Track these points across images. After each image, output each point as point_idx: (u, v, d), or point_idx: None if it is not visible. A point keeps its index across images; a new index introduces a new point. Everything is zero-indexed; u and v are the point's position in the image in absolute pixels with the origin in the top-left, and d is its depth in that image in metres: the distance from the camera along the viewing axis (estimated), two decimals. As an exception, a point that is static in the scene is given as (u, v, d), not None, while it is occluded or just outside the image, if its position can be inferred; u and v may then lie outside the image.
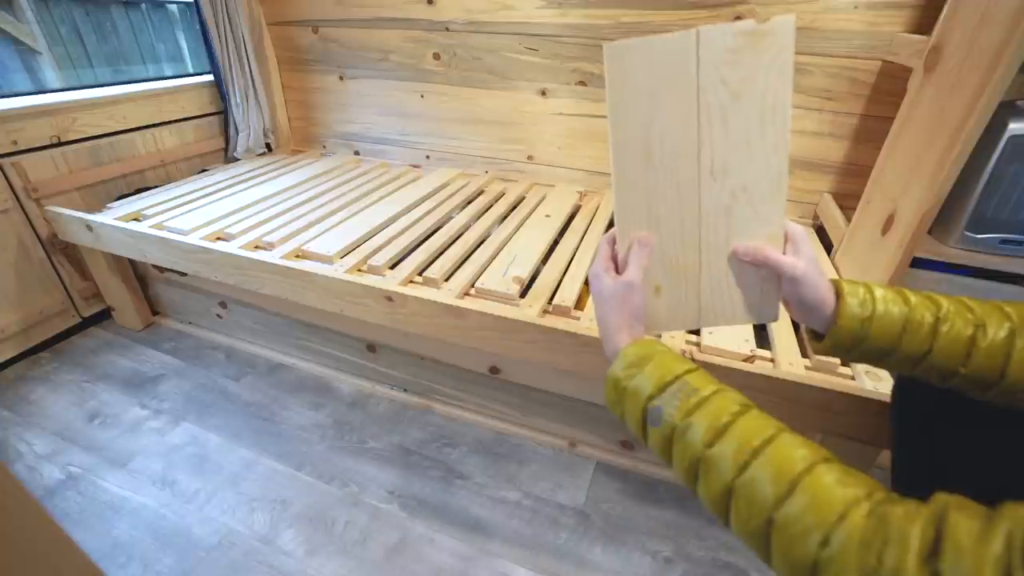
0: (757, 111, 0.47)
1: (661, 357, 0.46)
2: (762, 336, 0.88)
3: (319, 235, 1.17)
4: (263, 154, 1.79)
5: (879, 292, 0.49)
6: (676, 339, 0.86)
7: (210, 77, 1.65)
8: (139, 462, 1.05)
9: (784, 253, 0.51)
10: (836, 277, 0.52)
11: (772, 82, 0.47)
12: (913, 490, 0.57)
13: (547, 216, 1.30)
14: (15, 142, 1.23)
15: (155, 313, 1.50)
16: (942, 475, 0.52)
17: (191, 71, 1.90)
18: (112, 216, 1.23)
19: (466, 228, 1.25)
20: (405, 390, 1.23)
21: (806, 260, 0.50)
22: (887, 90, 1.14)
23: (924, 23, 1.05)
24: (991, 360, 0.44)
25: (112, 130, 1.43)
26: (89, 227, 1.21)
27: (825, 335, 0.50)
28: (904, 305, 0.48)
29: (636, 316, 0.51)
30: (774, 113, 0.48)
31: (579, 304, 0.97)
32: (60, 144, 1.32)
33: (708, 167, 0.49)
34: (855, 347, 0.49)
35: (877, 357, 0.49)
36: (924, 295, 0.49)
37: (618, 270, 0.53)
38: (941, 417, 0.53)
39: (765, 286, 0.52)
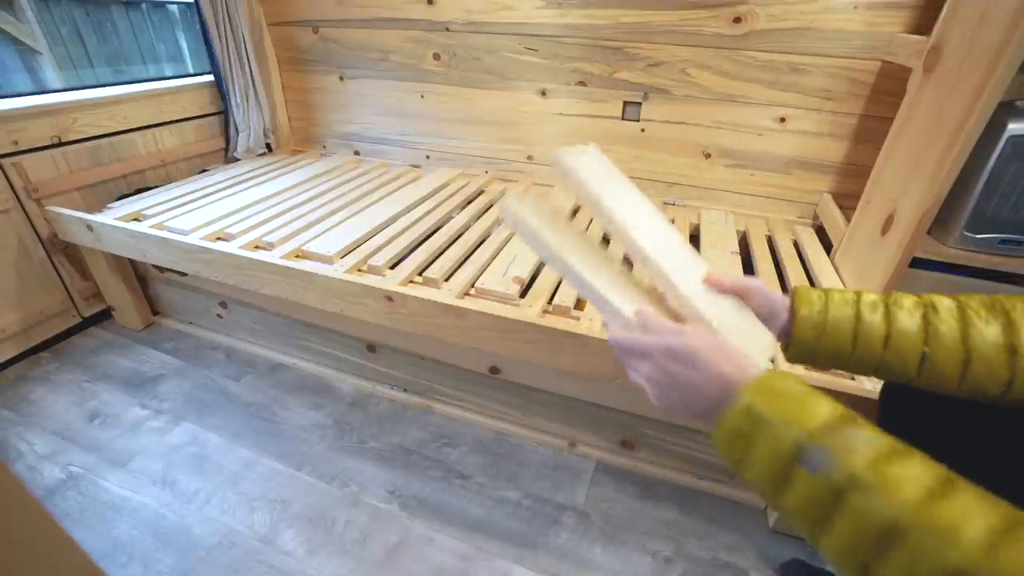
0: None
1: (812, 392, 0.38)
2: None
3: (319, 235, 1.17)
4: (263, 154, 1.79)
5: (836, 298, 0.51)
6: (676, 339, 0.86)
7: (210, 77, 1.66)
8: (139, 462, 1.05)
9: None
10: (800, 285, 0.55)
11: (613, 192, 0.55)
12: None
13: (547, 216, 1.30)
14: (16, 142, 1.23)
15: (155, 313, 1.50)
16: None
17: (191, 71, 1.90)
18: (112, 216, 1.23)
19: (466, 228, 1.25)
20: (405, 390, 1.23)
21: (751, 283, 0.53)
22: (887, 90, 1.14)
23: (923, 23, 1.05)
24: (951, 333, 0.46)
25: (113, 130, 1.43)
26: (89, 227, 1.21)
27: (787, 344, 0.53)
28: (855, 315, 0.50)
29: (735, 350, 0.44)
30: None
31: (579, 304, 0.97)
32: (61, 144, 1.32)
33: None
34: (816, 354, 0.51)
35: (833, 362, 0.51)
36: (884, 298, 0.51)
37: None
38: (929, 423, 0.53)
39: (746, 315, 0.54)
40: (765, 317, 0.53)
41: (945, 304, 0.48)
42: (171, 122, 1.58)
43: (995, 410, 0.47)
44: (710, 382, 0.41)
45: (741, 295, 0.53)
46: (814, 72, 1.19)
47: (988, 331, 0.45)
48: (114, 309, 1.45)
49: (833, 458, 0.33)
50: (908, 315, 0.48)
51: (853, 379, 0.80)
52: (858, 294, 0.52)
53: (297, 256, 1.10)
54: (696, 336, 0.44)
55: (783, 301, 0.54)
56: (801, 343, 0.51)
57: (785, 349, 0.54)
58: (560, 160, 0.55)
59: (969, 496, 0.31)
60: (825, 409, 0.36)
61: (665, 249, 0.53)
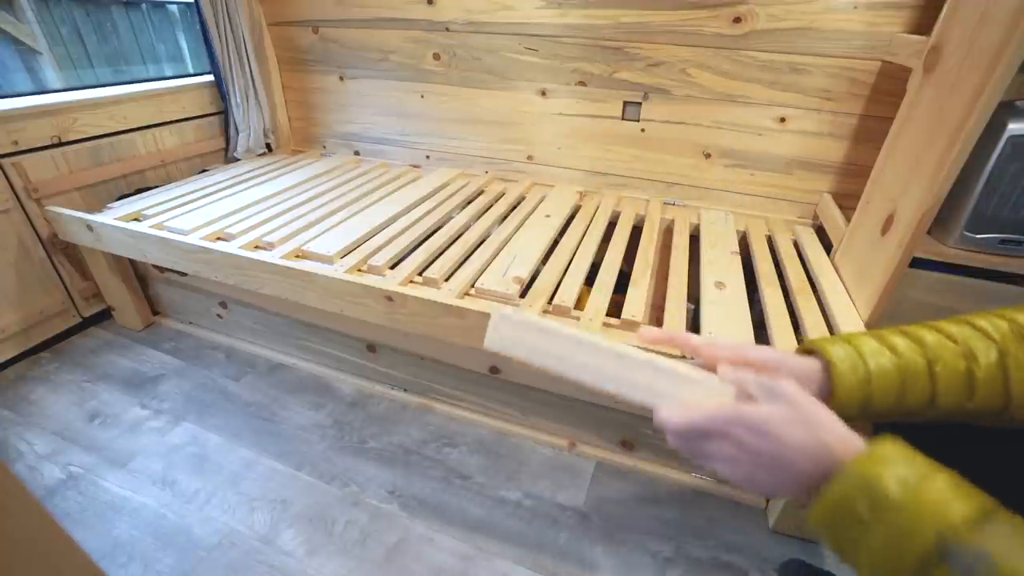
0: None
1: (937, 469, 0.32)
2: (762, 336, 0.89)
3: (319, 235, 1.17)
4: (263, 154, 1.79)
5: (864, 346, 0.45)
6: (676, 339, 0.86)
7: (210, 77, 1.66)
8: (139, 462, 1.05)
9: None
10: (808, 342, 0.49)
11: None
12: None
13: (547, 216, 1.30)
14: (16, 142, 1.23)
15: (155, 313, 1.50)
16: None
17: (191, 71, 1.90)
18: (112, 216, 1.23)
19: (466, 228, 1.25)
20: (405, 390, 1.23)
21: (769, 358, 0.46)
22: (886, 90, 1.14)
23: (923, 23, 1.05)
24: (993, 387, 0.42)
25: (113, 130, 1.43)
26: (89, 227, 1.21)
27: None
28: (894, 356, 0.45)
29: (829, 414, 0.37)
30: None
31: (579, 304, 0.97)
32: (61, 144, 1.32)
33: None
34: (862, 414, 0.45)
35: (883, 415, 0.45)
36: (902, 332, 0.46)
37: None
38: (924, 436, 0.53)
39: None
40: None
41: (984, 355, 0.43)
42: (171, 122, 1.58)
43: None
44: (803, 453, 0.35)
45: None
46: (814, 72, 1.19)
47: None
48: (114, 309, 1.45)
49: (994, 566, 0.28)
50: (953, 375, 0.43)
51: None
52: (884, 340, 0.46)
53: (297, 256, 1.10)
54: (783, 396, 0.37)
55: (808, 366, 0.46)
56: (849, 401, 0.44)
57: None
58: (491, 344, 0.49)
59: None
60: (966, 499, 0.31)
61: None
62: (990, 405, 0.43)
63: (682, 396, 0.42)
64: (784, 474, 0.36)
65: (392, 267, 1.07)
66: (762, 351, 0.46)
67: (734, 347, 0.47)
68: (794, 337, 0.87)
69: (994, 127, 0.82)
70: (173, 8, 2.20)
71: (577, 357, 0.45)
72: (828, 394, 0.45)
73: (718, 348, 0.47)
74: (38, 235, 1.30)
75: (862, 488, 0.32)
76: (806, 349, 0.49)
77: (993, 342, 0.43)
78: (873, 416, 0.45)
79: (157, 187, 1.46)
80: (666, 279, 1.04)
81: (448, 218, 1.32)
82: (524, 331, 0.48)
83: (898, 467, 0.32)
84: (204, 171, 1.63)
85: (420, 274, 1.05)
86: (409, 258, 1.10)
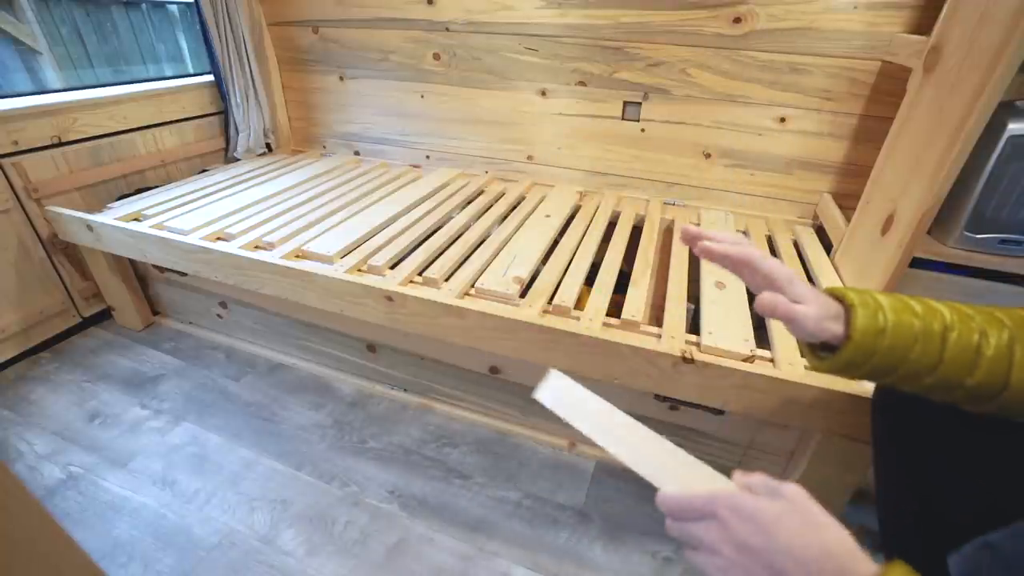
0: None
1: None
2: (762, 336, 0.89)
3: (319, 235, 1.17)
4: (263, 154, 1.79)
5: (884, 300, 0.46)
6: (676, 339, 0.86)
7: (210, 77, 1.66)
8: (139, 462, 1.05)
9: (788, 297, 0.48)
10: (833, 285, 0.50)
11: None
12: (900, 516, 0.57)
13: (547, 216, 1.30)
14: (16, 142, 1.23)
15: (155, 313, 1.50)
16: (929, 498, 0.52)
17: (191, 71, 1.90)
18: (112, 216, 1.23)
19: (466, 228, 1.25)
20: (405, 390, 1.23)
21: (806, 296, 0.47)
22: (887, 90, 1.14)
23: (923, 23, 1.05)
24: (996, 367, 0.43)
25: (113, 130, 1.43)
26: (89, 227, 1.21)
27: (834, 350, 0.47)
28: (914, 315, 0.45)
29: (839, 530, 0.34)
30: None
31: (579, 304, 0.97)
32: (61, 144, 1.32)
33: None
34: (865, 362, 0.46)
35: (884, 372, 0.46)
36: (921, 301, 0.47)
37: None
38: (925, 435, 0.53)
39: None
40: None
41: (995, 335, 0.44)
42: (171, 122, 1.58)
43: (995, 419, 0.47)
44: (795, 558, 0.32)
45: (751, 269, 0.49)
46: (814, 72, 1.19)
47: None
48: (114, 309, 1.45)
49: None
50: (964, 347, 0.44)
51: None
52: (905, 301, 0.46)
53: (297, 256, 1.10)
54: (785, 496, 0.34)
55: (828, 303, 0.47)
56: (861, 347, 0.45)
57: (817, 356, 0.50)
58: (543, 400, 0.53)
59: None
60: None
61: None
62: (987, 386, 0.43)
63: (687, 481, 0.41)
64: None
65: (392, 267, 1.07)
66: (778, 267, 0.49)
67: (753, 254, 0.50)
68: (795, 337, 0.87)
69: (994, 127, 0.82)
70: (173, 8, 2.20)
71: (607, 427, 0.48)
72: (842, 337, 0.46)
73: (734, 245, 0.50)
74: (38, 235, 1.30)
75: None
76: (828, 293, 0.49)
77: (1007, 328, 0.44)
78: (875, 371, 0.46)
79: (157, 187, 1.46)
80: (666, 279, 1.04)
81: (448, 218, 1.32)
82: (569, 392, 0.53)
83: None
84: (204, 171, 1.63)
85: (420, 274, 1.05)
86: (409, 258, 1.10)
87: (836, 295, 0.49)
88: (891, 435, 0.58)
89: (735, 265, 0.52)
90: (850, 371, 0.47)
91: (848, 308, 0.46)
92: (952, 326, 0.44)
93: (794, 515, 0.34)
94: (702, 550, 0.36)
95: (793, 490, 0.35)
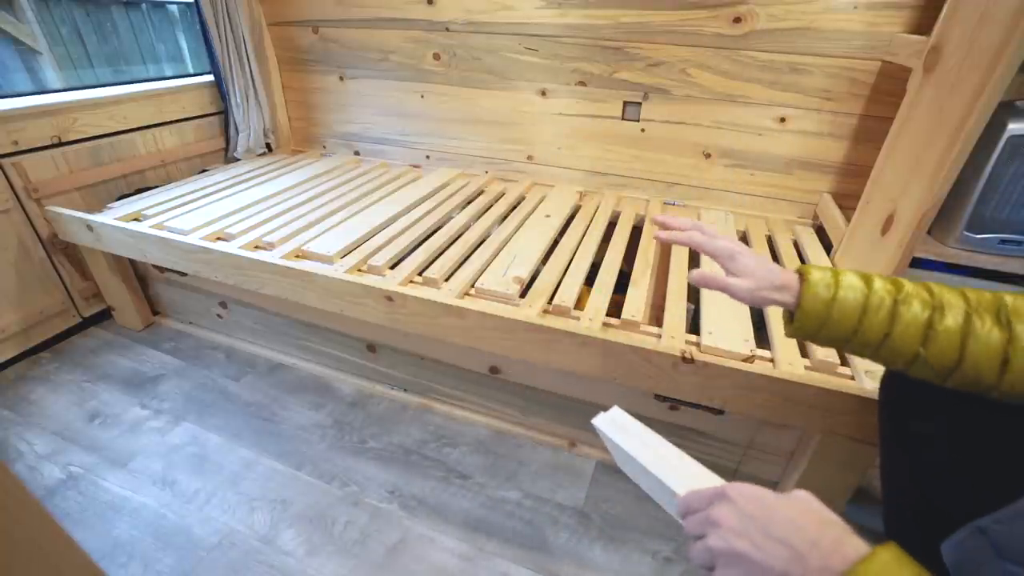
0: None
1: None
2: (762, 336, 0.89)
3: (319, 235, 1.17)
4: (263, 154, 1.79)
5: (847, 277, 0.51)
6: (676, 339, 0.86)
7: (210, 77, 1.66)
8: (139, 462, 1.05)
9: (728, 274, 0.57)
10: (805, 265, 0.55)
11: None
12: (902, 512, 0.57)
13: (547, 216, 1.30)
14: (16, 142, 1.23)
15: (155, 313, 1.50)
16: (931, 493, 0.52)
17: (191, 71, 1.90)
18: (112, 216, 1.23)
19: (466, 228, 1.25)
20: (405, 390, 1.23)
21: (746, 270, 0.55)
22: (887, 90, 1.14)
23: (923, 23, 1.05)
24: (948, 342, 0.46)
25: (113, 130, 1.43)
26: (89, 227, 1.21)
27: (792, 317, 0.53)
28: (865, 287, 0.50)
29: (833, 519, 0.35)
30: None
31: (579, 304, 0.97)
32: (61, 144, 1.32)
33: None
34: (820, 329, 0.51)
35: (842, 340, 0.51)
36: (890, 279, 0.51)
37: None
38: (930, 431, 0.53)
39: None
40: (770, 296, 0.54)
41: (953, 313, 0.46)
42: (171, 122, 1.58)
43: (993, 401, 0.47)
44: (801, 532, 0.33)
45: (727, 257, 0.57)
46: (814, 72, 1.19)
47: (990, 339, 0.45)
48: (114, 309, 1.45)
49: None
50: (912, 320, 0.47)
51: (853, 379, 0.80)
52: (867, 281, 0.51)
53: (297, 256, 1.10)
54: (793, 494, 0.36)
55: (789, 274, 0.54)
56: (812, 314, 0.51)
57: (788, 322, 0.55)
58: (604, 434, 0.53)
59: None
60: None
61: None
62: (941, 359, 0.46)
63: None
64: (776, 551, 0.33)
65: (392, 267, 1.07)
66: (721, 246, 0.57)
67: (694, 237, 0.59)
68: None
69: (994, 127, 0.82)
70: (173, 8, 2.20)
71: (660, 455, 0.49)
72: (795, 305, 0.52)
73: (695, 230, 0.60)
74: (38, 235, 1.30)
75: None
76: (797, 270, 0.55)
77: (968, 307, 0.46)
78: (832, 339, 0.51)
79: (157, 187, 1.46)
80: (666, 279, 1.04)
81: (448, 218, 1.32)
82: (625, 426, 0.52)
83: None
84: (204, 171, 1.63)
85: (420, 274, 1.05)
86: (409, 258, 1.10)
87: (800, 270, 0.54)
88: (896, 431, 0.58)
89: (694, 248, 0.60)
90: (809, 336, 0.52)
91: (802, 280, 0.52)
92: (905, 299, 0.48)
93: (796, 501, 0.36)
94: (708, 529, 0.37)
95: (800, 491, 0.37)
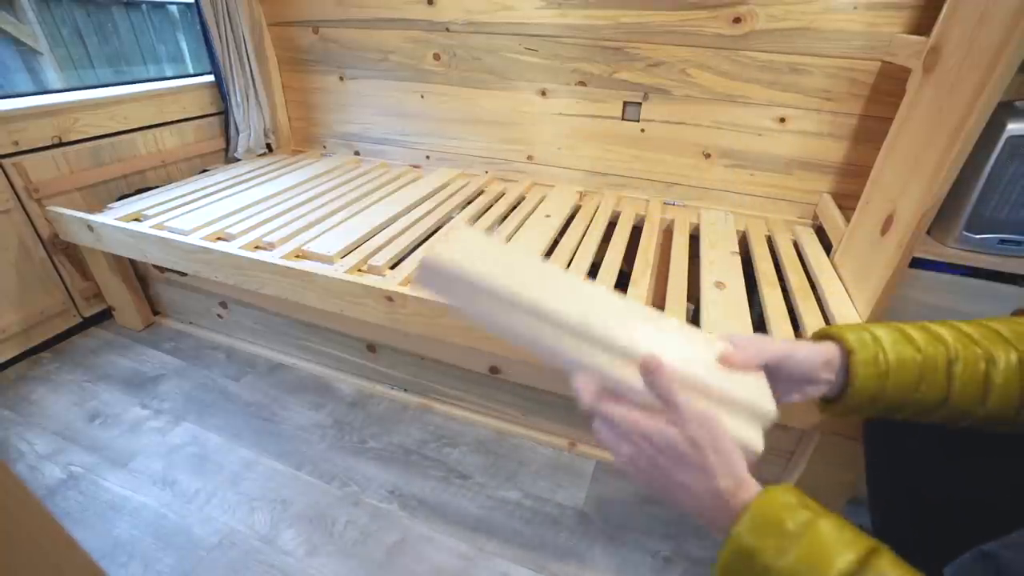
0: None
1: (819, 518, 0.32)
2: (761, 336, 0.88)
3: (319, 235, 1.17)
4: (263, 154, 1.79)
5: (884, 336, 0.44)
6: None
7: (211, 77, 1.66)
8: (140, 462, 1.05)
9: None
10: (823, 329, 0.48)
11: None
12: (893, 522, 0.57)
13: (547, 216, 1.30)
14: (16, 142, 1.23)
15: (155, 313, 1.50)
16: (922, 505, 0.52)
17: (192, 71, 1.90)
18: (113, 216, 1.23)
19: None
20: (405, 390, 1.23)
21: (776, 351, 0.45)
22: (886, 90, 1.14)
23: (923, 23, 1.05)
24: (1007, 393, 0.41)
25: (113, 130, 1.43)
26: (90, 227, 1.21)
27: (838, 398, 0.46)
28: (915, 350, 0.43)
29: (732, 452, 0.37)
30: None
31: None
32: (61, 144, 1.32)
33: None
34: (872, 406, 0.44)
35: (891, 411, 0.45)
36: (923, 329, 0.45)
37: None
38: (915, 439, 0.52)
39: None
40: (798, 379, 0.46)
41: (1003, 358, 0.42)
42: (171, 122, 1.58)
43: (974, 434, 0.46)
44: (700, 497, 0.36)
45: (767, 369, 0.45)
46: (814, 72, 1.19)
47: None
48: (114, 309, 1.45)
49: None
50: (971, 378, 0.43)
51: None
52: (905, 333, 0.45)
53: (297, 256, 1.10)
54: (691, 424, 0.37)
55: (822, 354, 0.46)
56: (866, 393, 0.44)
57: (832, 402, 0.48)
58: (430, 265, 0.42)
59: None
60: (843, 551, 0.31)
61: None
62: (1002, 409, 0.42)
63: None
64: (686, 504, 0.37)
65: (392, 267, 1.07)
66: (770, 350, 0.45)
67: (753, 352, 0.45)
68: (794, 338, 0.87)
69: (993, 127, 0.82)
70: (173, 8, 2.20)
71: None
72: (844, 382, 0.44)
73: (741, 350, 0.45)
74: (39, 235, 1.30)
75: (744, 555, 0.33)
76: (823, 335, 0.48)
77: (1012, 347, 0.42)
78: (883, 409, 0.45)
79: (158, 187, 1.46)
80: (666, 279, 1.04)
81: (448, 218, 1.32)
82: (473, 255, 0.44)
83: (776, 527, 0.33)
84: (204, 171, 1.63)
85: (420, 274, 1.05)
86: (409, 258, 1.10)
87: (831, 336, 0.47)
88: (883, 439, 0.58)
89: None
90: (856, 415, 0.46)
91: (847, 353, 0.44)
92: (956, 357, 0.43)
93: (702, 445, 0.37)
94: (616, 454, 0.40)
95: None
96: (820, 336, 0.49)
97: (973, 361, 0.42)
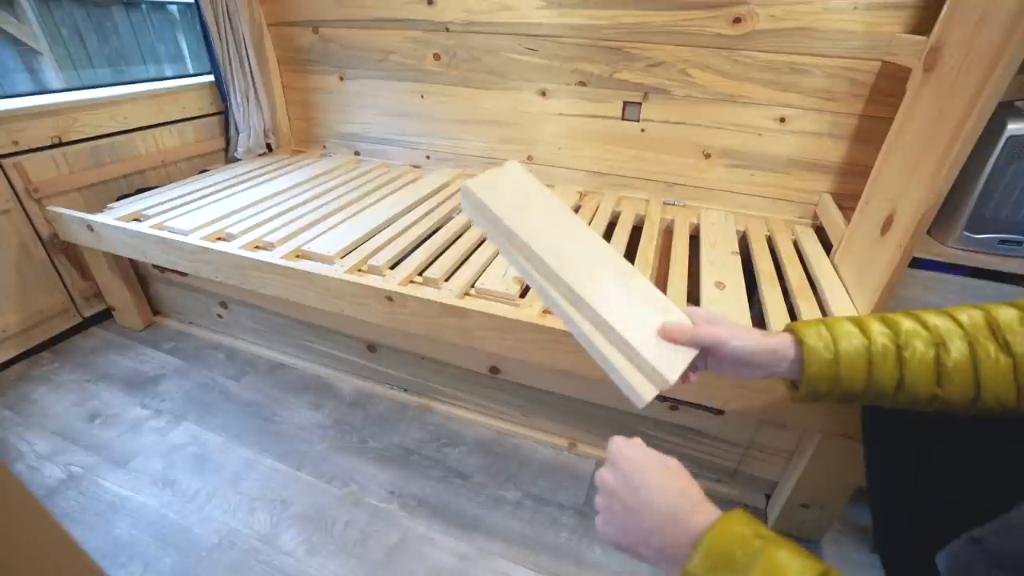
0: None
1: (772, 552, 0.32)
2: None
3: (319, 235, 1.17)
4: (263, 154, 1.79)
5: (836, 327, 0.49)
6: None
7: (211, 77, 1.66)
8: (140, 462, 1.05)
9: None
10: (790, 323, 0.52)
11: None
12: (892, 516, 0.57)
13: (547, 216, 1.30)
14: (16, 142, 1.23)
15: (156, 313, 1.50)
16: (920, 497, 0.52)
17: (192, 71, 1.90)
18: (113, 216, 1.23)
19: (466, 228, 1.25)
20: (405, 390, 1.23)
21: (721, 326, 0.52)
22: (886, 90, 1.14)
23: (923, 23, 1.05)
24: (962, 376, 0.44)
25: (113, 130, 1.43)
26: (90, 227, 1.21)
27: (798, 383, 0.50)
28: (865, 338, 0.47)
29: (690, 482, 0.41)
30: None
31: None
32: (61, 144, 1.32)
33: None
34: (832, 391, 0.48)
35: (855, 396, 0.48)
36: (881, 319, 0.49)
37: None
38: (913, 434, 0.53)
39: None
40: (733, 362, 0.51)
41: (956, 345, 0.45)
42: (171, 122, 1.58)
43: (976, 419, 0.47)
44: (665, 496, 0.39)
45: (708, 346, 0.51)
46: (814, 72, 1.19)
47: (999, 366, 0.43)
48: (114, 309, 1.45)
49: None
50: (921, 361, 0.45)
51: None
52: (861, 325, 0.48)
53: (297, 256, 1.10)
54: (621, 463, 0.42)
55: (767, 345, 0.50)
56: (820, 377, 0.48)
57: (793, 388, 0.52)
58: (471, 194, 0.53)
59: None
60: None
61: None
62: (960, 394, 0.44)
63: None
64: (636, 536, 0.39)
65: (392, 267, 1.07)
66: (707, 335, 0.51)
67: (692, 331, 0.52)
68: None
69: (993, 127, 0.82)
70: (173, 8, 2.20)
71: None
72: (799, 371, 0.49)
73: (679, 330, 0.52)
74: (39, 235, 1.30)
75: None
76: (786, 329, 0.52)
77: (967, 334, 0.45)
78: (844, 395, 0.48)
79: (157, 187, 1.46)
80: (666, 279, 1.04)
81: (448, 218, 1.32)
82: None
83: (728, 559, 0.33)
84: (204, 171, 1.63)
85: (420, 274, 1.05)
86: (409, 258, 1.10)
87: (790, 329, 0.51)
88: (880, 435, 0.58)
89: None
90: (822, 399, 0.50)
91: (799, 343, 0.49)
92: (907, 344, 0.46)
93: (666, 470, 0.41)
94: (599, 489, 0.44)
95: (672, 460, 0.42)
96: (784, 330, 0.53)
97: (923, 348, 0.45)
